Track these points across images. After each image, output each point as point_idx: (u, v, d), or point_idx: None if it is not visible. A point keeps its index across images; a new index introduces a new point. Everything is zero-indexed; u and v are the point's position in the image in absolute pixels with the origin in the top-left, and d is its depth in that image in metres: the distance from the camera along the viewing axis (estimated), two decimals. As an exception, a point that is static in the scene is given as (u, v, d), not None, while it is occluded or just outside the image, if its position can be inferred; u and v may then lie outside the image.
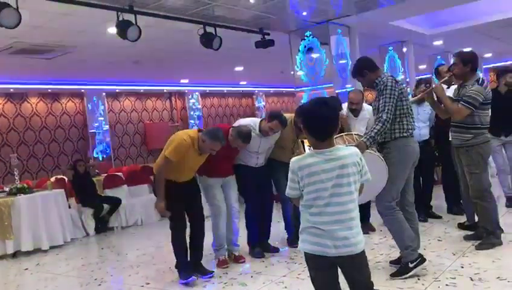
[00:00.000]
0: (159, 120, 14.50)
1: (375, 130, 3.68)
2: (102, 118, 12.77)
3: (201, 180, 4.70)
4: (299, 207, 2.39)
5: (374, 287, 2.39)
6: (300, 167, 2.30)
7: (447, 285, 3.52)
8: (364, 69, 3.93)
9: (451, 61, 4.50)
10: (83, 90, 12.50)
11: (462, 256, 4.18)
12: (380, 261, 4.27)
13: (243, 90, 17.18)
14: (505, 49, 13.67)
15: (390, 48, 11.05)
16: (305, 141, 5.30)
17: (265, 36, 8.35)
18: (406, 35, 10.43)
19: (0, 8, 5.17)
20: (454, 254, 4.24)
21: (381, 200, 3.79)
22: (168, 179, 4.24)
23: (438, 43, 11.70)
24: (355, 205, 2.31)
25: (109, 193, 8.11)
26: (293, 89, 9.29)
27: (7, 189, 6.92)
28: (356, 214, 2.30)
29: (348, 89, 8.46)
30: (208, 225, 4.66)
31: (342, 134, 3.83)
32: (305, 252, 2.35)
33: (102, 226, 7.58)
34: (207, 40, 7.37)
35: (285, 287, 3.90)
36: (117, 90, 13.31)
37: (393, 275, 3.77)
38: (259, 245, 4.99)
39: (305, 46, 8.60)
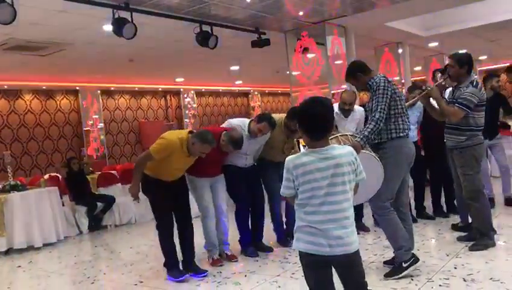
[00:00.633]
0: (153, 118, 14.47)
1: (369, 129, 3.69)
2: (96, 116, 12.73)
3: (190, 180, 4.67)
4: (294, 206, 2.39)
5: (368, 287, 2.39)
6: (295, 166, 2.30)
7: (440, 285, 3.53)
8: (358, 72, 3.94)
9: (446, 62, 4.51)
10: (77, 88, 12.46)
11: (455, 257, 4.19)
12: (374, 262, 4.27)
13: (238, 90, 17.18)
14: (499, 52, 13.74)
15: (386, 49, 11.08)
16: (301, 140, 5.31)
17: (262, 35, 8.35)
18: (401, 37, 10.47)
19: (-5, 4, 5.15)
20: (447, 255, 4.26)
21: (375, 200, 3.80)
22: (156, 178, 4.25)
23: (434, 44, 11.74)
24: (350, 204, 2.31)
25: (103, 191, 8.09)
26: (288, 89, 9.28)
27: (0, 186, 6.87)
28: (351, 213, 2.30)
29: (343, 90, 8.48)
30: (198, 224, 4.66)
31: (336, 135, 3.84)
32: (299, 251, 2.34)
33: (95, 224, 7.55)
34: (203, 38, 7.36)
35: (279, 287, 3.90)
36: (112, 88, 13.27)
37: (387, 275, 3.78)
38: (254, 245, 4.99)
39: (301, 46, 8.61)
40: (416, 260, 3.78)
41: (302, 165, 2.28)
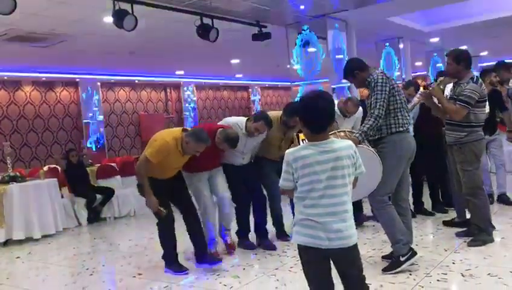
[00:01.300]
0: (153, 111, 14.46)
1: (368, 125, 3.70)
2: (96, 108, 12.71)
3: (187, 176, 4.64)
4: (293, 199, 2.39)
5: (366, 281, 2.39)
6: (295, 159, 2.29)
7: (438, 280, 3.54)
8: (355, 70, 3.95)
9: (446, 58, 4.50)
10: (77, 80, 12.43)
11: (453, 252, 4.20)
12: (373, 256, 4.28)
13: (238, 83, 17.15)
14: (501, 48, 13.70)
15: (387, 44, 11.06)
16: (300, 135, 5.30)
17: (262, 29, 8.32)
18: (402, 32, 10.45)
19: (-6, -6, 5.13)
20: (446, 250, 4.26)
21: (374, 194, 3.80)
22: (152, 176, 4.19)
23: (435, 40, 11.72)
24: (349, 198, 2.31)
25: (102, 183, 8.09)
26: (288, 83, 9.28)
27: (-1, 177, 6.88)
28: (350, 207, 2.30)
29: (344, 84, 8.48)
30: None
31: (334, 131, 3.84)
32: (298, 244, 2.34)
33: (94, 217, 7.56)
34: (204, 31, 7.34)
35: (277, 280, 3.91)
36: (112, 80, 13.24)
37: (385, 270, 3.78)
38: (259, 243, 4.95)
39: (302, 40, 8.59)
40: (414, 253, 3.79)
41: (302, 158, 2.28)
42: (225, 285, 3.90)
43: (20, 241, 6.31)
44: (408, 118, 3.92)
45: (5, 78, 11.07)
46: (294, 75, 8.84)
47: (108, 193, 7.69)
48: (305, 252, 2.33)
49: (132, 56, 10.11)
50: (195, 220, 4.49)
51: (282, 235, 5.16)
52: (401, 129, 3.81)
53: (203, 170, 4.68)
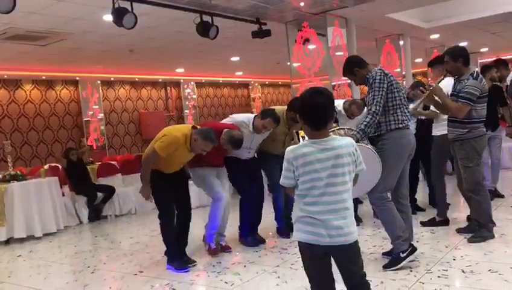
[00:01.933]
0: (154, 109, 14.45)
1: (365, 123, 3.71)
2: (96, 106, 12.71)
3: (195, 172, 4.69)
4: (294, 197, 2.39)
5: (367, 278, 2.40)
6: (295, 157, 2.29)
7: (438, 277, 3.55)
8: (355, 67, 3.95)
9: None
10: (77, 78, 12.41)
11: (454, 248, 4.20)
12: (373, 253, 4.29)
13: (238, 81, 17.13)
14: (500, 44, 13.69)
15: (387, 40, 11.04)
16: (300, 132, 5.31)
17: (262, 26, 8.31)
18: (403, 28, 10.43)
19: (-6, -7, 5.12)
20: (446, 247, 4.27)
21: (374, 190, 3.81)
22: (157, 169, 4.25)
23: (435, 36, 11.70)
24: (350, 195, 2.31)
25: (103, 181, 8.11)
26: (289, 80, 9.26)
27: (0, 176, 6.88)
28: (350, 204, 2.30)
29: (344, 81, 8.47)
30: (196, 216, 4.66)
31: (333, 129, 3.84)
32: (298, 241, 2.35)
33: (95, 215, 7.57)
34: (203, 28, 7.33)
35: (278, 277, 3.92)
36: (112, 79, 13.23)
37: (386, 266, 3.79)
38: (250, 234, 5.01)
39: (302, 37, 8.57)
40: (414, 249, 3.79)
41: (302, 155, 2.28)
42: (226, 282, 3.91)
43: (21, 240, 6.33)
44: (408, 114, 3.91)
45: (5, 76, 11.06)
46: (295, 72, 8.83)
47: (109, 191, 7.71)
48: (305, 249, 2.33)
49: (132, 54, 10.10)
50: (187, 220, 4.54)
51: (284, 231, 5.17)
52: (400, 126, 3.81)
53: (211, 165, 4.73)
